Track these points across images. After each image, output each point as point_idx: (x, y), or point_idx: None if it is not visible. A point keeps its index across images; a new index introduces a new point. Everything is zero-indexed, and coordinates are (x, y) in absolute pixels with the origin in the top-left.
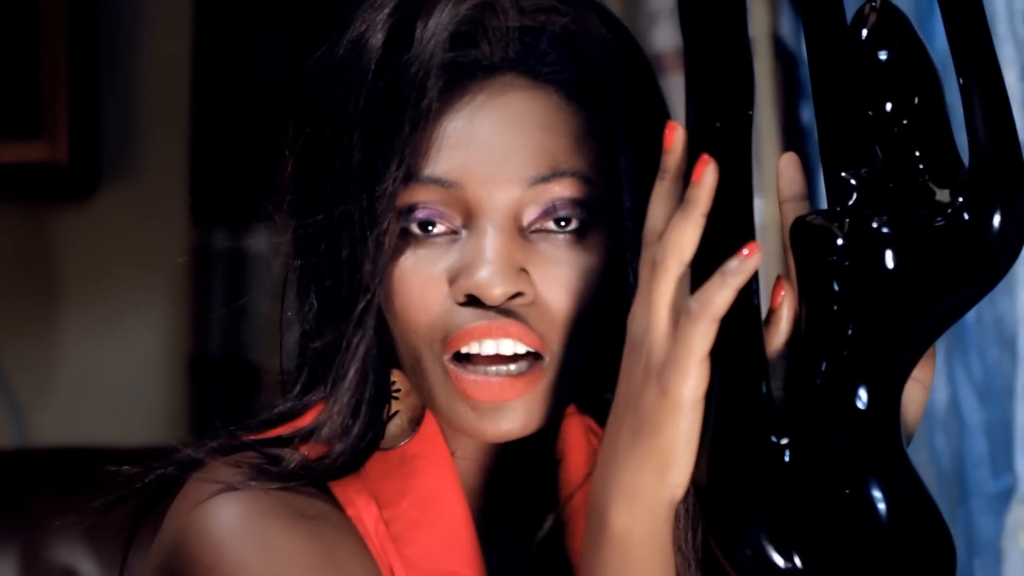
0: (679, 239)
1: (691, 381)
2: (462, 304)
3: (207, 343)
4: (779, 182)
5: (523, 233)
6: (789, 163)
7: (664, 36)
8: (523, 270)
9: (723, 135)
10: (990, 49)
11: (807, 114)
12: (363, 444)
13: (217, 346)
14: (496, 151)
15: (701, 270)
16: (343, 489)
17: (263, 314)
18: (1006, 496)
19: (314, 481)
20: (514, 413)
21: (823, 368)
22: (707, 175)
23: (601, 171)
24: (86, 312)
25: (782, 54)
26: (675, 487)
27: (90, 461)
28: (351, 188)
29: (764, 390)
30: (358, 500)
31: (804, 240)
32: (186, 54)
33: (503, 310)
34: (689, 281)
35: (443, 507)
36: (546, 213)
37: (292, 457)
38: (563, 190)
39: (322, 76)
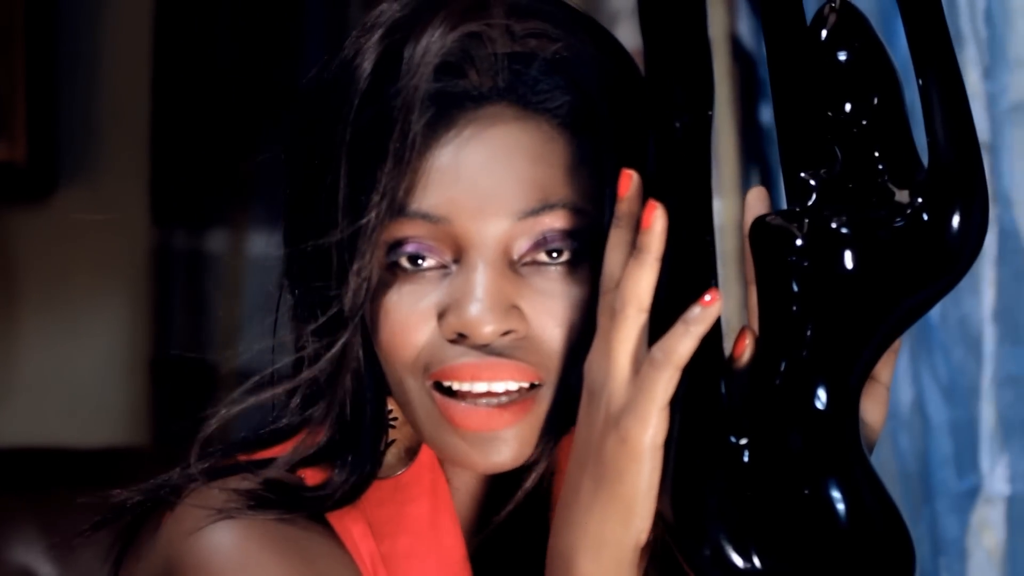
0: (635, 286)
1: (651, 429)
2: (452, 341)
3: (167, 343)
4: (745, 215)
5: (514, 266)
6: (757, 198)
7: (625, 36)
8: (514, 306)
9: (683, 135)
10: (949, 50)
11: (766, 115)
12: (362, 475)
13: (177, 346)
14: (484, 185)
15: (661, 309)
16: (340, 519)
17: (222, 314)
18: (971, 495)
19: (312, 511)
20: (505, 444)
21: (782, 368)
22: (656, 221)
23: (593, 200)
24: (45, 312)
25: (740, 54)
26: (640, 532)
27: (50, 461)
28: (337, 219)
29: (723, 391)
30: (354, 530)
31: (763, 240)
32: (146, 54)
33: (492, 348)
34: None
35: (438, 538)
36: (537, 245)
37: (290, 483)
38: (554, 222)
39: (310, 102)
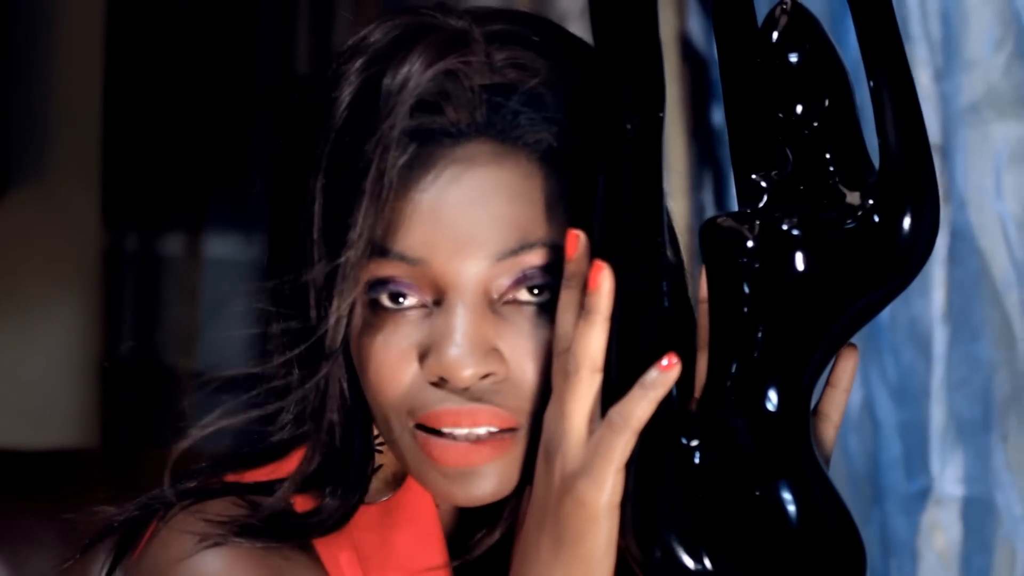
0: (587, 347)
1: (608, 491)
2: (433, 384)
3: (118, 345)
4: (701, 313)
5: (493, 306)
6: None
7: None
8: (494, 349)
9: (634, 137)
10: (900, 52)
11: (717, 116)
12: (351, 502)
13: (128, 348)
14: (462, 226)
15: (613, 365)
16: (327, 545)
17: (175, 316)
18: (921, 497)
19: (301, 538)
20: (484, 479)
21: (733, 370)
22: (604, 281)
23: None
24: None
25: (691, 56)
26: None
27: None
28: (314, 255)
29: (674, 393)
30: (341, 557)
31: (714, 242)
32: (98, 56)
33: (474, 392)
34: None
35: (425, 563)
36: (517, 283)
37: (279, 510)
38: (533, 260)
39: (290, 134)
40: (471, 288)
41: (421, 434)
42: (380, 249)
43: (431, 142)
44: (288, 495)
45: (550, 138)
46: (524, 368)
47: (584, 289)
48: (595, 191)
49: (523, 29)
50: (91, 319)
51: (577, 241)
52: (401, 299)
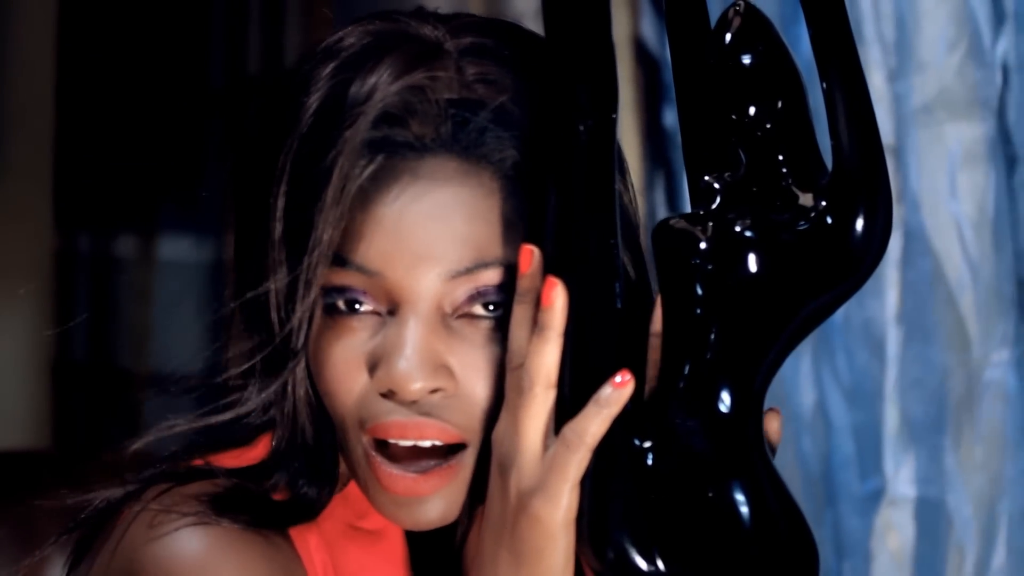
0: (540, 364)
1: (563, 508)
2: (383, 395)
3: (70, 347)
4: (655, 312)
5: (446, 321)
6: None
7: None
8: (444, 364)
9: (587, 139)
10: (853, 54)
11: (670, 118)
12: (323, 492)
13: (81, 350)
14: (421, 242)
15: (567, 381)
16: (298, 529)
17: (128, 319)
18: (874, 498)
19: (276, 524)
20: (431, 506)
21: (686, 371)
22: (556, 297)
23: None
24: None
25: (644, 58)
26: None
27: None
28: (276, 262)
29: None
30: (310, 540)
31: (667, 243)
32: (50, 57)
33: (422, 405)
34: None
35: (386, 548)
36: (470, 300)
37: (256, 493)
38: (488, 279)
39: (254, 139)
40: (425, 302)
41: (373, 456)
42: (339, 259)
43: (394, 155)
44: (271, 484)
45: (515, 155)
46: (474, 384)
47: (537, 305)
48: (548, 198)
49: (497, 43)
50: (43, 321)
51: (531, 256)
52: (357, 306)
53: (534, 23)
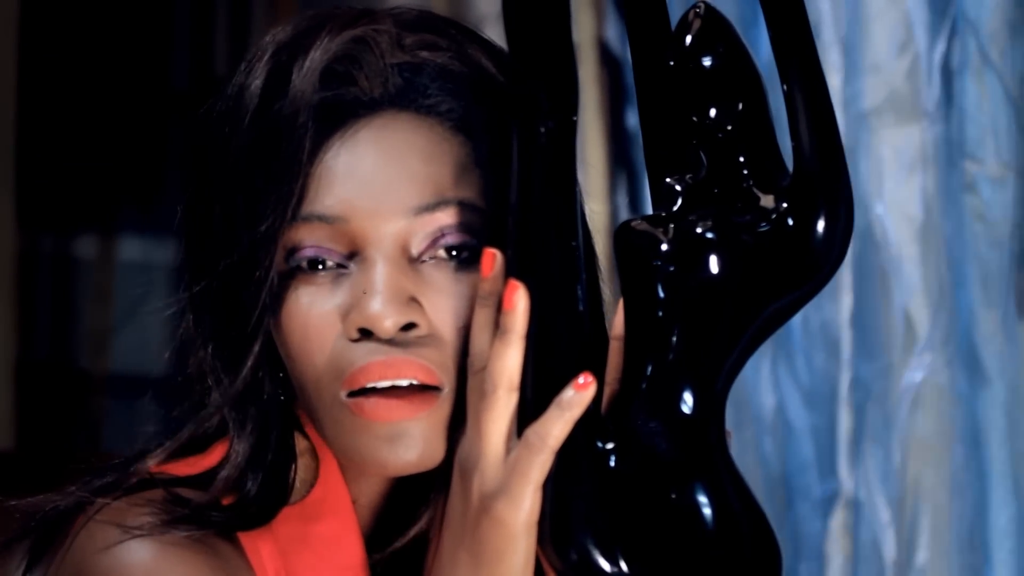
0: (502, 367)
1: (525, 510)
2: (355, 340)
3: (33, 347)
4: (616, 317)
5: (413, 263)
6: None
7: None
8: (413, 298)
9: (547, 141)
10: (814, 56)
11: (632, 119)
12: (273, 498)
13: (43, 350)
14: (379, 183)
15: (529, 382)
16: (250, 537)
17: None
18: (831, 500)
19: (224, 530)
20: (412, 441)
21: (648, 372)
22: (518, 300)
23: (488, 200)
24: None
25: (607, 59)
26: None
27: None
28: (234, 234)
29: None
30: (262, 548)
31: (628, 245)
32: (12, 57)
33: (398, 343)
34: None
35: (342, 555)
36: (434, 242)
37: (203, 502)
38: (449, 218)
39: (208, 123)
40: (389, 243)
41: (351, 400)
42: (297, 214)
43: (346, 113)
44: (220, 492)
45: (461, 110)
46: (445, 323)
47: (499, 308)
48: (509, 199)
49: (432, 19)
50: (5, 321)
51: (493, 260)
52: (320, 265)
53: (496, 26)
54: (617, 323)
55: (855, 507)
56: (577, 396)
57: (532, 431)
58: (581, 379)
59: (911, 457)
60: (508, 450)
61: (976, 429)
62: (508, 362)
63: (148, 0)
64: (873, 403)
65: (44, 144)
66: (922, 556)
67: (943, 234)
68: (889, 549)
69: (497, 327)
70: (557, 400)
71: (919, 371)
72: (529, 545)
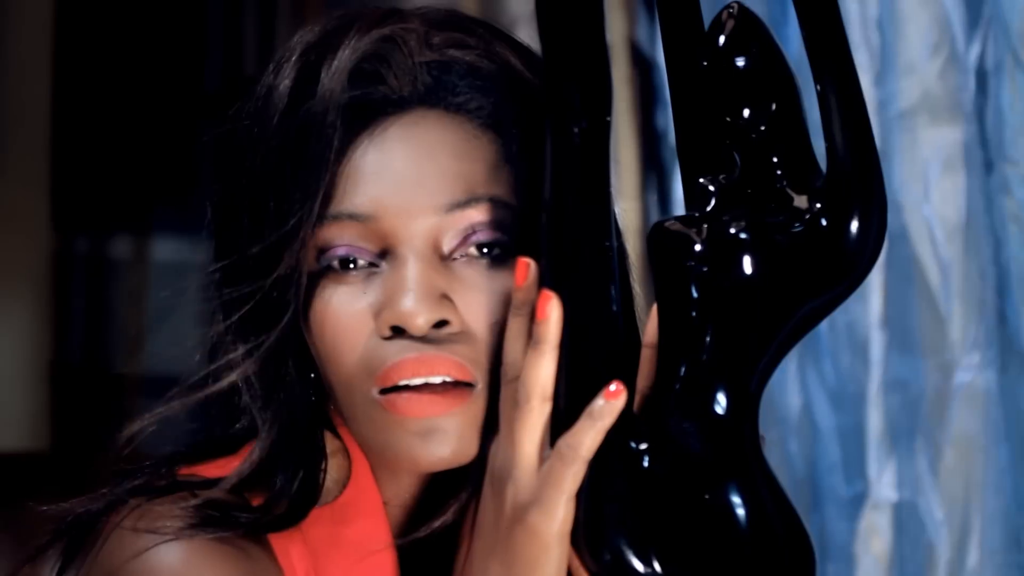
0: (536, 377)
1: (559, 520)
2: (388, 338)
3: (67, 348)
4: (649, 324)
5: (444, 260)
6: None
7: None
8: (445, 296)
9: (581, 141)
10: (847, 55)
11: (663, 119)
12: (302, 498)
13: (77, 351)
14: (410, 181)
15: (562, 391)
16: (279, 539)
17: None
18: (858, 502)
19: (253, 532)
20: (446, 437)
21: (682, 373)
22: (551, 310)
23: (519, 196)
24: None
25: (638, 59)
26: None
27: None
28: (264, 233)
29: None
30: (292, 550)
31: (662, 246)
32: (47, 59)
33: (430, 341)
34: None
35: (374, 557)
36: (466, 239)
37: (232, 503)
38: (481, 215)
39: (237, 123)
40: (421, 241)
41: (384, 397)
42: (328, 213)
43: (376, 111)
44: (237, 479)
45: (491, 107)
46: (477, 319)
47: (533, 317)
48: (543, 200)
49: (460, 18)
50: (40, 322)
51: (527, 269)
52: (351, 264)
53: (528, 27)
54: (649, 331)
55: (897, 508)
56: (608, 406)
57: (564, 442)
58: (612, 386)
59: (958, 457)
60: (542, 460)
61: (1021, 428)
62: (541, 372)
63: (181, 3)
64: (914, 404)
65: (78, 145)
66: (973, 557)
67: (980, 234)
68: (943, 549)
69: (530, 337)
70: (588, 410)
71: (966, 372)
72: (562, 555)
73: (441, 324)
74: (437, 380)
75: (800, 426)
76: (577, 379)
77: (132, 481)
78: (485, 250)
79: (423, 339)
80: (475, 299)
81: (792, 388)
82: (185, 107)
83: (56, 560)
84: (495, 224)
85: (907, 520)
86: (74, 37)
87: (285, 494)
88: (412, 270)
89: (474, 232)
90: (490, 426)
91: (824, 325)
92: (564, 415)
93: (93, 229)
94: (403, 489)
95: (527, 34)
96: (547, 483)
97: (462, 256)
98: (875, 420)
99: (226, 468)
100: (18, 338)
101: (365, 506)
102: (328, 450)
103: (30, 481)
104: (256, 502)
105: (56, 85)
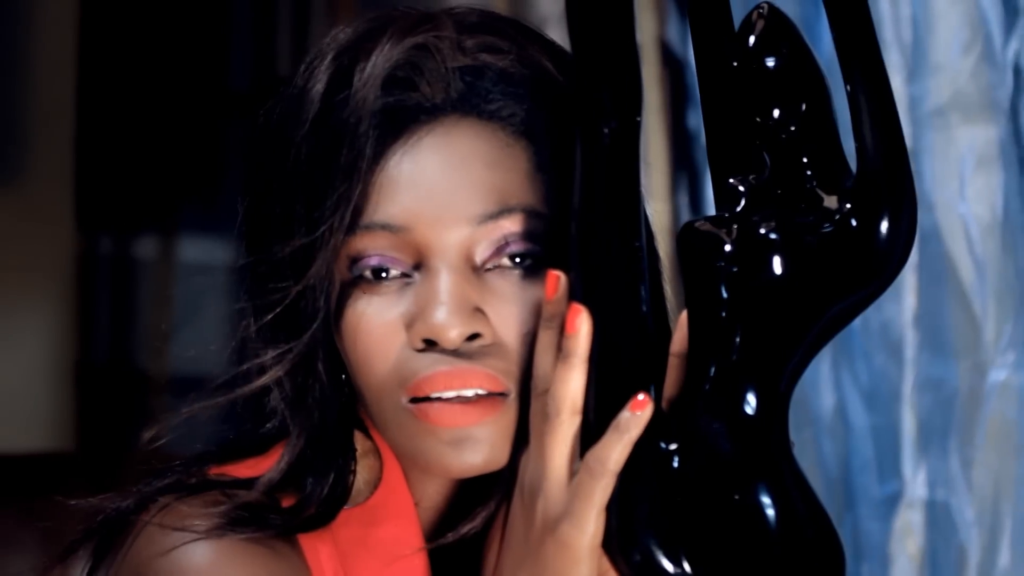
0: (566, 391)
1: (590, 533)
2: (420, 350)
3: (93, 348)
4: (676, 334)
5: (477, 271)
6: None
7: None
8: (478, 309)
9: (611, 141)
10: (877, 55)
11: (695, 120)
12: (332, 499)
13: (103, 352)
14: (443, 191)
15: (592, 402)
16: (309, 539)
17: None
18: (892, 501)
19: (283, 532)
20: (478, 444)
21: (711, 374)
22: (581, 324)
23: (552, 205)
24: None
25: (669, 60)
26: None
27: None
28: (293, 238)
29: (653, 396)
30: (322, 550)
31: (692, 246)
32: (72, 58)
33: (462, 354)
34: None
35: (404, 559)
36: (499, 250)
37: (262, 503)
38: (513, 225)
39: (268, 125)
40: (454, 252)
41: (415, 406)
42: (360, 222)
43: (408, 119)
44: (267, 485)
45: (525, 114)
46: (510, 331)
47: (562, 331)
48: (571, 201)
49: (493, 20)
50: (66, 323)
51: (557, 282)
52: (384, 274)
53: (558, 27)
54: (676, 340)
55: (930, 507)
56: (634, 418)
57: (592, 455)
58: (640, 396)
59: (993, 457)
60: (572, 473)
61: None
62: (571, 386)
63: (208, 1)
64: (948, 403)
65: (103, 145)
66: (1004, 557)
67: (1015, 233)
68: (975, 549)
69: (560, 350)
70: (614, 423)
71: (1000, 371)
72: (592, 568)
73: (473, 337)
74: (470, 393)
75: (834, 426)
76: (606, 391)
77: (162, 480)
78: (518, 260)
79: (455, 352)
80: (508, 310)
81: (826, 388)
82: (211, 106)
83: (87, 559)
84: (528, 234)
85: (940, 520)
86: (99, 35)
87: (315, 496)
88: (445, 282)
89: (507, 243)
90: (523, 433)
91: (858, 325)
92: (594, 427)
93: (118, 229)
94: (434, 491)
95: (557, 34)
96: (577, 496)
97: (495, 267)
98: (909, 420)
99: (256, 468)
100: (44, 338)
101: (396, 508)
102: (359, 451)
103: (56, 481)
104: (286, 503)
105: (81, 84)
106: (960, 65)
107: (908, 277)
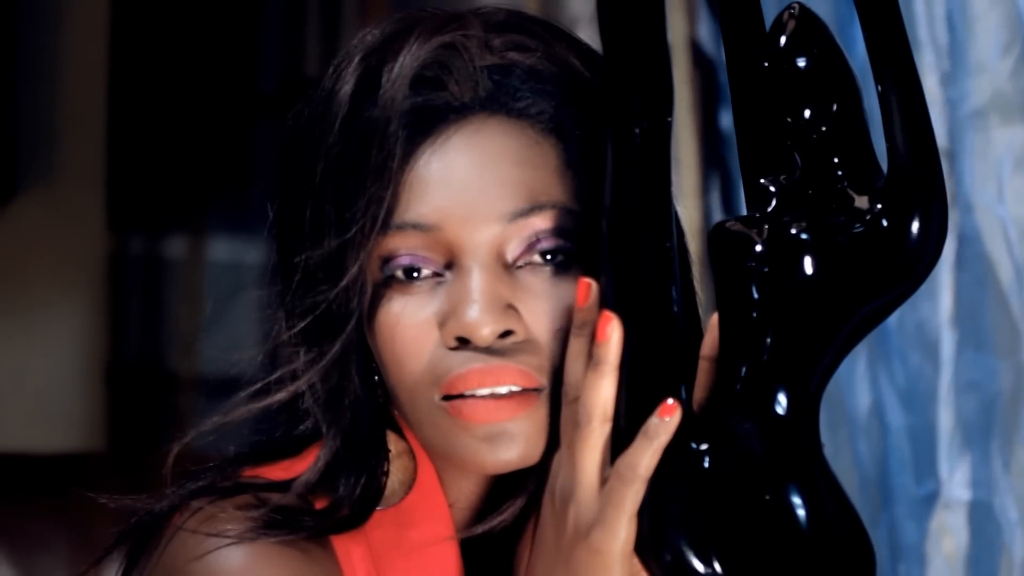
0: (596, 399)
1: (621, 539)
2: (453, 348)
3: (124, 349)
4: (707, 337)
5: (508, 269)
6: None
7: None
8: (511, 306)
9: (642, 141)
10: (908, 56)
11: (726, 120)
12: (365, 500)
13: (134, 352)
14: (473, 189)
15: (621, 409)
16: (342, 541)
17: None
18: (929, 501)
19: (316, 535)
20: (513, 440)
21: (742, 374)
22: (611, 332)
23: (582, 201)
24: (2, 318)
25: (700, 60)
26: None
27: (6, 468)
28: (324, 239)
29: (683, 396)
30: (354, 552)
31: (723, 246)
32: (103, 59)
33: (495, 351)
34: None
35: (436, 561)
36: (530, 247)
37: (295, 506)
38: (544, 223)
39: (297, 128)
40: (485, 249)
41: (449, 403)
42: (391, 222)
43: (437, 118)
44: (304, 487)
45: (553, 111)
46: (542, 327)
47: (593, 339)
48: (602, 201)
49: (520, 19)
50: (97, 323)
51: (588, 289)
52: (415, 273)
53: (589, 27)
54: (706, 343)
55: (972, 508)
56: (663, 424)
57: (622, 462)
58: (669, 401)
59: None
60: (603, 480)
61: None
62: (602, 393)
63: (238, 2)
64: (990, 404)
65: (134, 145)
66: None
67: None
68: (1018, 549)
69: (591, 357)
70: (643, 430)
71: None
72: (624, 574)
73: (506, 334)
74: (503, 390)
75: (869, 426)
76: (637, 395)
77: (196, 482)
78: (549, 257)
79: (488, 349)
80: (539, 307)
81: (861, 387)
82: (241, 107)
83: (121, 562)
84: (558, 231)
85: (982, 520)
86: (129, 36)
87: (348, 497)
88: (476, 280)
89: (538, 240)
90: (556, 428)
91: (893, 324)
92: (625, 432)
93: (149, 229)
94: (469, 490)
95: (587, 34)
96: (609, 503)
97: (526, 264)
98: (945, 419)
99: (290, 470)
100: (74, 339)
101: (430, 509)
102: (393, 452)
103: (87, 481)
104: (319, 505)
105: (111, 84)
106: (999, 66)
107: (944, 276)
